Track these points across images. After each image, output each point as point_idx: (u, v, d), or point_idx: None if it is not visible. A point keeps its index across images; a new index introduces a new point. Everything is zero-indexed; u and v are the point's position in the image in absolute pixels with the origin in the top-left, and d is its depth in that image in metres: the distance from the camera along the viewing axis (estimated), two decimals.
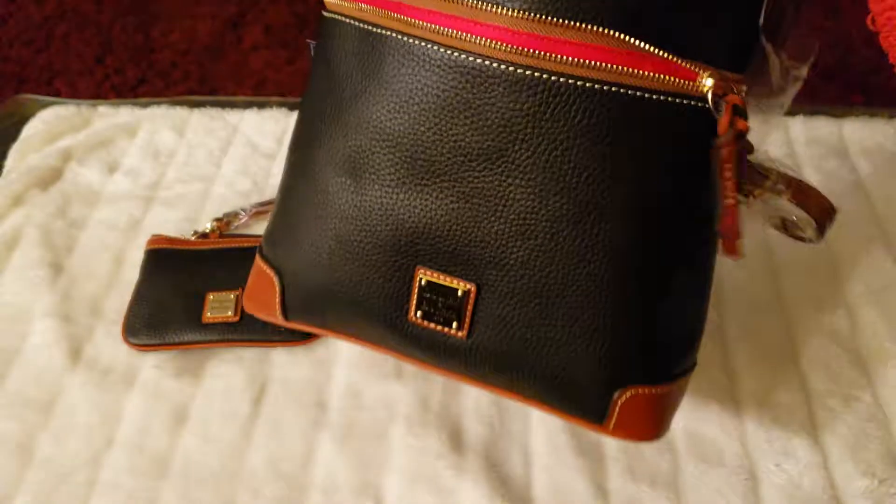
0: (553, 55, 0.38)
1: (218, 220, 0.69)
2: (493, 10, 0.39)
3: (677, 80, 0.37)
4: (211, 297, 0.62)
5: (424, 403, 0.58)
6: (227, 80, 1.47)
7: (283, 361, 0.61)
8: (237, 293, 0.63)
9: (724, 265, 0.63)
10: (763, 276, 0.65)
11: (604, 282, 0.39)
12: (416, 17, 0.41)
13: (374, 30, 0.43)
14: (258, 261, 0.54)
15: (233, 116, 0.80)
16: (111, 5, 1.60)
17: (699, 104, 0.37)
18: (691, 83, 0.37)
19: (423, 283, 0.43)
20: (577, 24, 0.37)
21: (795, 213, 0.41)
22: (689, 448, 0.55)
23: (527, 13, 0.38)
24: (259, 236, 0.68)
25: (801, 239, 0.44)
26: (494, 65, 0.39)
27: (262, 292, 0.53)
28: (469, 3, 0.39)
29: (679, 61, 0.37)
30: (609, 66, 0.37)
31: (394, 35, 0.42)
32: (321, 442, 0.56)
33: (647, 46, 0.36)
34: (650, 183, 0.38)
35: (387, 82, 0.43)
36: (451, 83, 0.40)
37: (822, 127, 0.77)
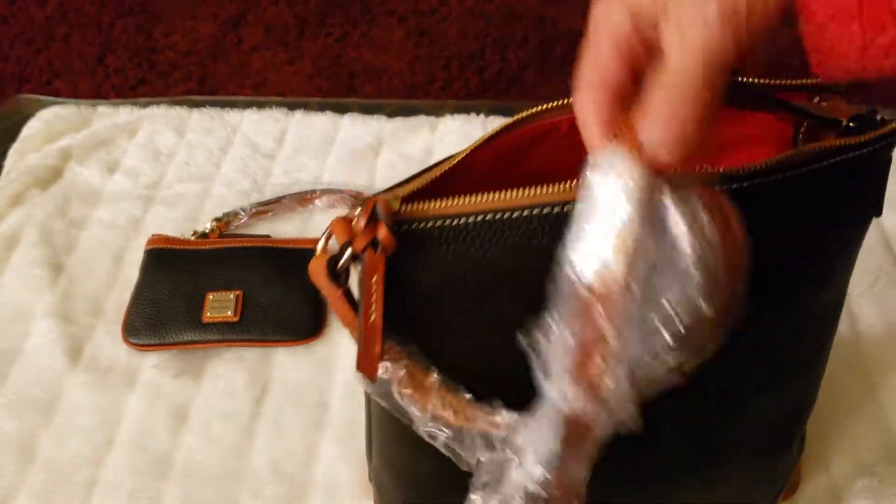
0: None
1: (218, 219, 0.69)
2: None
3: None
4: (210, 296, 0.62)
5: None
6: (227, 81, 1.47)
7: (284, 361, 0.61)
8: (237, 293, 0.63)
9: None
10: None
11: None
12: None
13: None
14: None
15: (232, 116, 0.80)
16: (112, 6, 1.60)
17: None
18: None
19: None
20: None
21: None
22: None
23: None
24: (259, 236, 0.68)
25: None
26: None
27: None
28: None
29: None
30: None
31: None
32: (322, 442, 0.56)
33: None
34: None
35: None
36: None
37: None
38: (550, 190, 0.32)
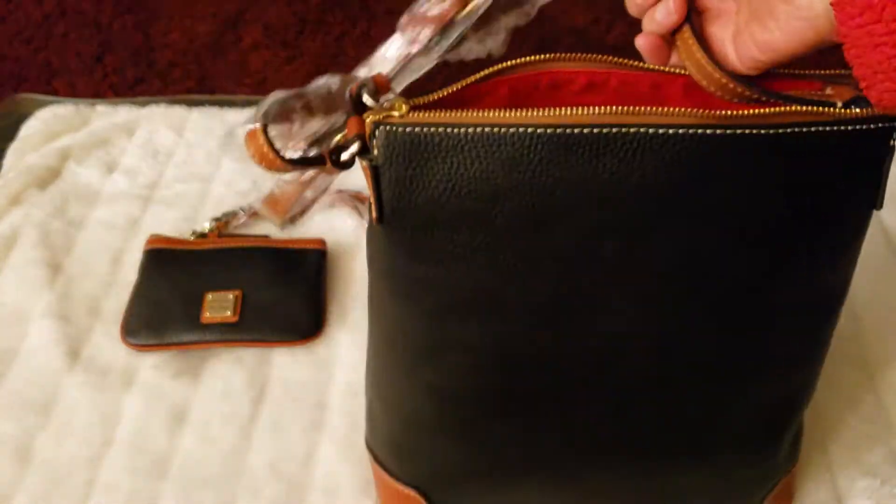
0: None
1: (217, 219, 0.69)
2: None
3: None
4: (209, 297, 0.62)
5: None
6: (226, 80, 1.46)
7: (283, 362, 0.60)
8: (236, 293, 0.62)
9: None
10: None
11: None
12: None
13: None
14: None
15: (232, 115, 0.80)
16: (110, 4, 1.59)
17: None
18: None
19: None
20: None
21: None
22: None
23: None
24: (258, 236, 0.68)
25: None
26: None
27: None
28: None
29: None
30: None
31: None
32: (321, 442, 0.56)
33: None
34: None
35: None
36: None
37: None
38: (546, 113, 0.35)
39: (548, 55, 0.40)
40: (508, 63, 0.39)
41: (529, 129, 0.35)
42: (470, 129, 0.35)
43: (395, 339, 0.42)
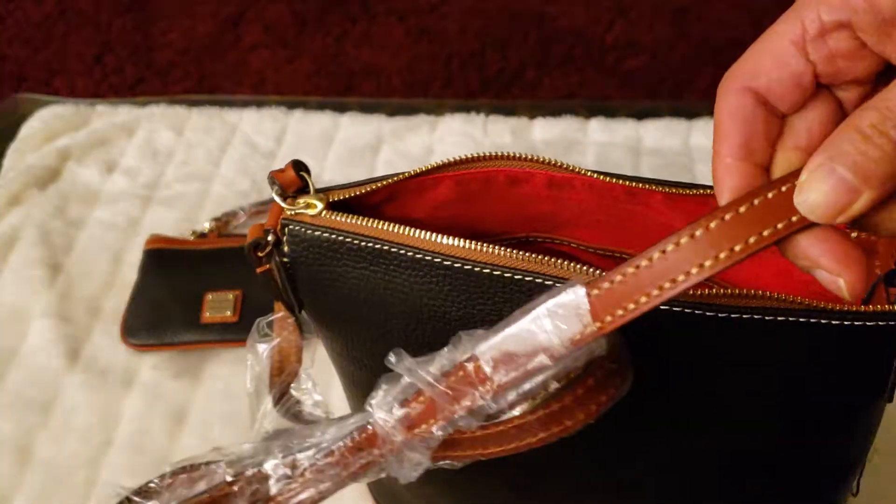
0: None
1: (217, 219, 0.69)
2: None
3: None
4: (209, 297, 0.62)
5: None
6: (225, 80, 1.46)
7: None
8: (236, 293, 0.62)
9: None
10: None
11: None
12: None
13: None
14: None
15: (231, 115, 0.80)
16: (110, 4, 1.59)
17: None
18: None
19: None
20: None
21: None
22: None
23: None
24: None
25: None
26: None
27: None
28: None
29: None
30: None
31: None
32: None
33: None
34: None
35: None
36: None
37: None
38: (455, 244, 0.32)
39: (497, 153, 0.37)
40: (453, 158, 0.37)
41: (437, 259, 0.32)
42: (377, 245, 0.33)
43: (347, 378, 0.42)
